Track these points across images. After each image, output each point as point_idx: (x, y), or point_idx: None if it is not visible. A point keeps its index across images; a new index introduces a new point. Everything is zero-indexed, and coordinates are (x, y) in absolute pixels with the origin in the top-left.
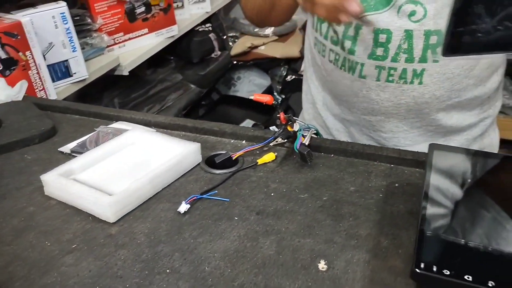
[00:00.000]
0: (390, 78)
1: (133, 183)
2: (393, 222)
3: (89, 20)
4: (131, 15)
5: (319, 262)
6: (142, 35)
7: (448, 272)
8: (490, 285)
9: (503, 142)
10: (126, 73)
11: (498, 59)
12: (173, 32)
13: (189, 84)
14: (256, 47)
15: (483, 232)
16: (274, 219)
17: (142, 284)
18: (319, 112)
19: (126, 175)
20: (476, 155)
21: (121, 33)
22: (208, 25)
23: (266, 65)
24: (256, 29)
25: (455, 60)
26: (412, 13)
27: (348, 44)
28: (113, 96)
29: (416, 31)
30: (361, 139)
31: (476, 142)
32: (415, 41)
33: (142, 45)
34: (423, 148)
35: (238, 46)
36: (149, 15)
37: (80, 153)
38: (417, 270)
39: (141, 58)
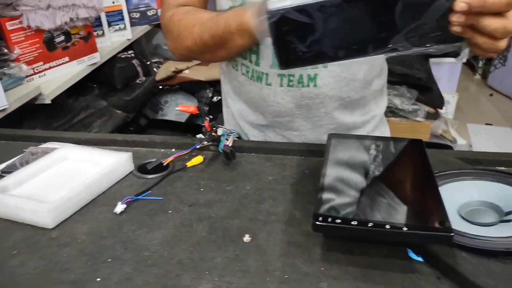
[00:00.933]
0: (291, 83)
1: (70, 190)
2: (304, 199)
3: (5, 50)
4: (50, 44)
5: (245, 236)
6: (63, 63)
7: (339, 221)
8: (369, 225)
9: None
10: (48, 101)
11: (377, 66)
12: (95, 59)
13: (114, 110)
14: (181, 71)
15: (368, 203)
16: (206, 208)
17: (88, 273)
18: (237, 122)
19: (62, 185)
20: (369, 140)
21: (41, 63)
22: (130, 51)
23: (192, 88)
24: None
25: (341, 65)
26: None
27: (254, 58)
28: (34, 126)
29: None
30: (276, 139)
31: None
32: None
33: (63, 74)
34: None
35: (163, 71)
36: (69, 44)
37: (11, 172)
38: (317, 222)
39: (63, 86)
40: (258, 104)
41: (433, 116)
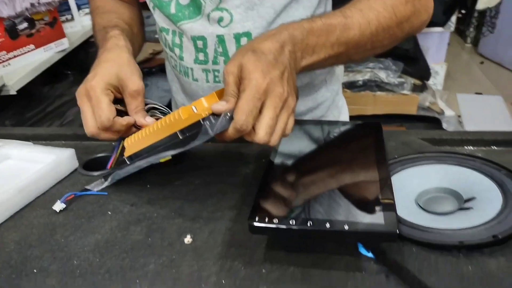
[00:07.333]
0: (217, 79)
1: (0, 194)
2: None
3: None
4: (12, 32)
5: (185, 237)
6: (28, 51)
7: (277, 221)
8: (308, 224)
9: (390, 117)
10: (13, 92)
11: None
12: (63, 45)
13: None
14: (159, 52)
15: (315, 197)
16: (147, 208)
17: None
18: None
19: None
20: (322, 125)
21: (4, 52)
22: None
23: None
24: (156, 35)
25: None
26: (220, 19)
27: (177, 51)
28: (4, 118)
29: (227, 35)
30: None
31: None
32: (228, 44)
33: (30, 62)
34: None
35: (140, 54)
36: (33, 30)
37: None
38: (253, 223)
39: (30, 75)
40: (193, 99)
41: (420, 88)
